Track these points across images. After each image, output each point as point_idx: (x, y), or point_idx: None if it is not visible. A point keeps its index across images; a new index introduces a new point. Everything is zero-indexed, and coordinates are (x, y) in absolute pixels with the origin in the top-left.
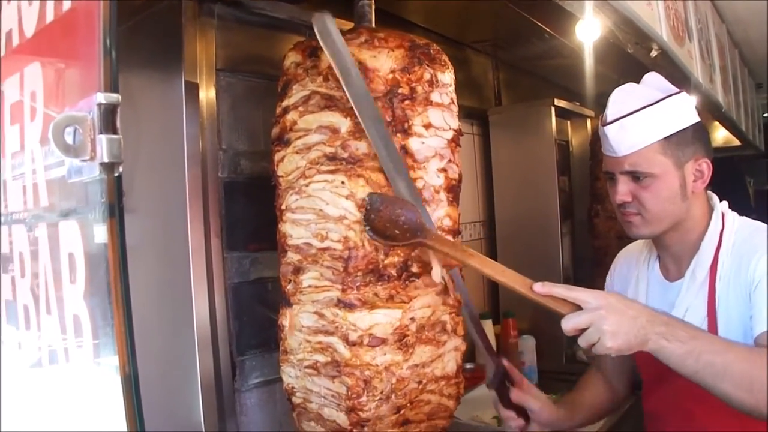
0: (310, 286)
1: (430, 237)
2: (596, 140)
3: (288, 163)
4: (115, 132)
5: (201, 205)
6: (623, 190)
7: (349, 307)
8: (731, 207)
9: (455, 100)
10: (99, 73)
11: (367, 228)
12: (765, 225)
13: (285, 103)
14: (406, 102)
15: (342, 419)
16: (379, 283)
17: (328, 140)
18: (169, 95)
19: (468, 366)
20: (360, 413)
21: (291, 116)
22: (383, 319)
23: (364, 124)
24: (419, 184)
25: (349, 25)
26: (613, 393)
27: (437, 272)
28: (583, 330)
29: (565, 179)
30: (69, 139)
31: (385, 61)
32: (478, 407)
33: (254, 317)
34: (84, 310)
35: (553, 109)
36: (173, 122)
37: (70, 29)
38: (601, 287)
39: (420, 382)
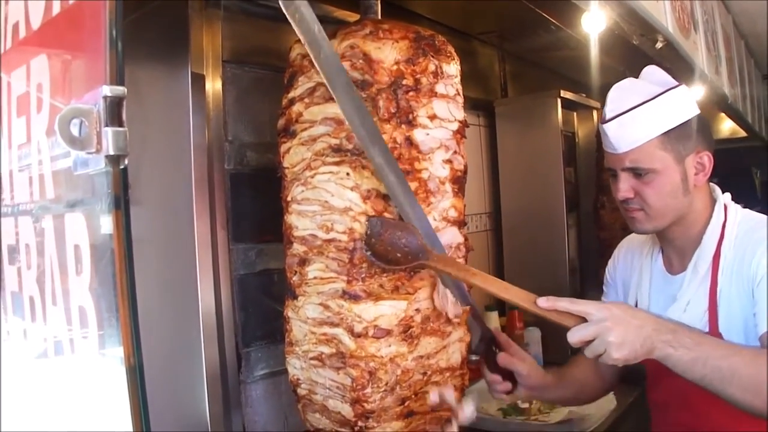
0: (315, 278)
1: (432, 258)
2: None
3: (294, 155)
4: (120, 125)
5: (207, 196)
6: (625, 186)
7: (354, 298)
8: (737, 198)
9: (461, 91)
10: (105, 65)
11: (369, 253)
12: (767, 217)
13: (291, 95)
14: (411, 93)
15: (347, 411)
16: (384, 275)
17: (334, 132)
18: (175, 87)
19: (473, 357)
20: (365, 405)
21: (297, 108)
22: (388, 311)
23: (343, 112)
24: (424, 175)
25: (355, 17)
26: (601, 379)
27: (437, 298)
28: (590, 341)
29: (571, 170)
30: (75, 132)
31: (389, 52)
32: (483, 399)
33: (260, 309)
34: (90, 301)
35: (559, 100)
36: (179, 114)
37: (76, 22)
38: None
39: (425, 374)
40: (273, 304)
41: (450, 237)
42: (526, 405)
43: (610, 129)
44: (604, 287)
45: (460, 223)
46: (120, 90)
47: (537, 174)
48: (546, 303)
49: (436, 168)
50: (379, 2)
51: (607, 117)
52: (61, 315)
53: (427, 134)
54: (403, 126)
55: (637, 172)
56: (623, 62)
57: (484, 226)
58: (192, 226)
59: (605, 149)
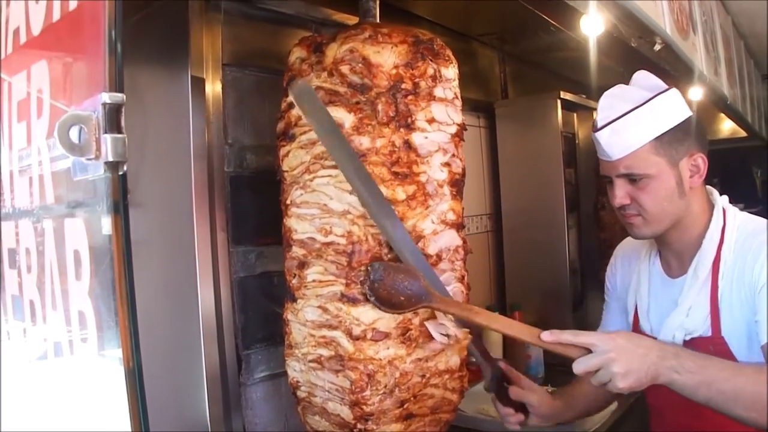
0: (314, 281)
1: (435, 300)
2: None
3: (293, 158)
4: (119, 131)
5: (207, 199)
6: (621, 193)
7: (353, 301)
8: (738, 198)
9: (459, 95)
10: (104, 72)
11: (373, 298)
12: (766, 221)
13: (290, 99)
14: (410, 97)
15: (346, 413)
16: None
17: None
18: (175, 90)
19: (472, 359)
20: (363, 407)
21: (296, 111)
22: (386, 314)
23: (347, 177)
24: (423, 178)
25: (354, 20)
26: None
27: (438, 338)
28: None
29: (571, 171)
30: (74, 138)
31: (388, 56)
32: (483, 400)
33: (260, 311)
34: (89, 306)
35: (559, 101)
36: (179, 117)
37: (76, 28)
38: None
39: (423, 376)
40: (273, 306)
41: (448, 240)
42: None
43: (603, 136)
44: (605, 296)
45: (459, 226)
46: (119, 97)
47: (537, 175)
48: (550, 337)
49: (435, 171)
50: (377, 5)
51: (599, 125)
52: (60, 319)
53: (426, 137)
54: (401, 129)
55: (632, 178)
56: (623, 64)
57: (484, 227)
58: (192, 228)
59: (599, 156)
